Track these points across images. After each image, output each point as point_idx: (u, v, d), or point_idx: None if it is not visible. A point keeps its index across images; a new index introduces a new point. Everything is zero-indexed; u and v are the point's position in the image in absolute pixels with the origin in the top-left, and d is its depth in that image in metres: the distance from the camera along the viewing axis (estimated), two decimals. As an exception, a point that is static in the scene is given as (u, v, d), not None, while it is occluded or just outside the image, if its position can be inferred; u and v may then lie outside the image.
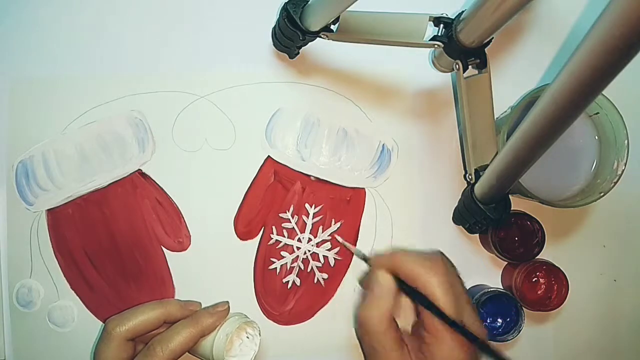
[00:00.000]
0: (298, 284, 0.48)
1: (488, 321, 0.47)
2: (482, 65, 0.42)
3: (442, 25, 0.41)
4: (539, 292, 0.47)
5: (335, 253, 0.48)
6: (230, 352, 0.41)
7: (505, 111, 0.47)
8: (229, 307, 0.42)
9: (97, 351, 0.40)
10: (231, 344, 0.41)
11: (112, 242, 0.46)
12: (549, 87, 0.29)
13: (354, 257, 0.48)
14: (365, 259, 0.46)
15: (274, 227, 0.48)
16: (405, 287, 0.40)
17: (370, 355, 0.41)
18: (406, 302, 0.42)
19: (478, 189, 0.43)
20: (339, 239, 0.47)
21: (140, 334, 0.41)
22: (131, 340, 0.41)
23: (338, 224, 0.48)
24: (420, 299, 0.39)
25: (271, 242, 0.47)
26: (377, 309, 0.40)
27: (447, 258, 0.41)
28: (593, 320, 0.50)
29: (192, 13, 0.48)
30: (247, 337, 0.41)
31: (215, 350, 0.40)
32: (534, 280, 0.47)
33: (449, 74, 0.49)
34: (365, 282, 0.45)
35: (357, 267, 0.48)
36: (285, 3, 0.42)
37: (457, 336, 0.38)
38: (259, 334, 0.42)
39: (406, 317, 0.42)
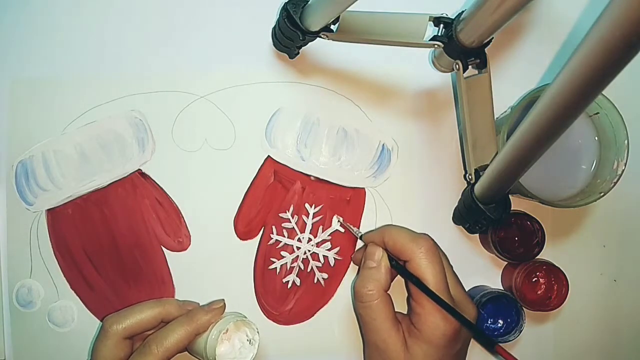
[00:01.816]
0: (298, 283, 0.48)
1: (489, 322, 0.46)
2: (482, 65, 0.42)
3: (442, 25, 0.41)
4: (539, 292, 0.47)
5: (335, 253, 0.48)
6: (231, 355, 0.40)
7: (505, 111, 0.47)
8: (224, 304, 0.42)
9: (94, 349, 0.40)
10: (229, 342, 0.40)
11: (112, 242, 0.46)
12: (549, 87, 0.29)
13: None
14: (360, 236, 0.47)
15: (274, 227, 0.48)
16: (393, 262, 0.42)
17: (366, 329, 0.42)
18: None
19: (478, 189, 0.43)
20: (340, 219, 0.48)
21: (137, 332, 0.41)
22: (129, 339, 0.41)
23: (339, 224, 0.48)
24: (407, 274, 0.41)
25: (271, 242, 0.47)
26: (370, 280, 0.41)
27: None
28: (593, 320, 0.50)
29: (192, 13, 0.48)
30: (249, 341, 0.41)
31: (208, 348, 0.39)
32: (534, 280, 0.47)
33: (449, 74, 0.49)
34: (357, 257, 0.47)
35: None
36: (285, 3, 0.42)
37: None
38: (258, 335, 0.42)
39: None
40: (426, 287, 0.40)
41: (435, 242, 0.42)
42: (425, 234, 0.43)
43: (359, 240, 0.47)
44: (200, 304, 0.44)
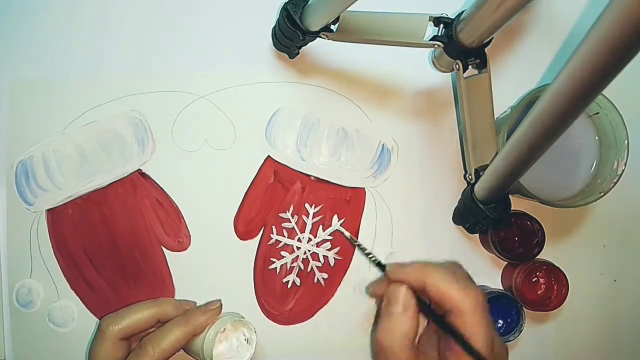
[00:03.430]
0: (298, 283, 0.48)
1: (488, 321, 0.46)
2: (482, 65, 0.42)
3: (442, 25, 0.41)
4: (539, 292, 0.47)
5: (335, 253, 0.48)
6: (228, 354, 0.40)
7: (505, 111, 0.47)
8: (221, 305, 0.42)
9: (91, 350, 0.40)
10: (226, 342, 0.40)
11: (112, 242, 0.46)
12: (549, 87, 0.29)
13: (354, 257, 0.48)
14: (381, 266, 0.43)
15: (274, 227, 0.48)
16: (425, 307, 0.38)
17: None
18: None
19: (478, 189, 0.43)
20: (355, 241, 0.47)
21: (134, 333, 0.40)
22: (125, 339, 0.41)
23: (339, 223, 0.48)
24: (447, 328, 0.36)
25: (271, 242, 0.47)
26: (397, 330, 0.37)
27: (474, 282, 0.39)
28: (593, 320, 0.50)
29: (192, 13, 0.48)
30: (246, 341, 0.41)
31: (206, 348, 0.39)
32: (534, 280, 0.47)
33: (449, 74, 0.49)
34: (376, 292, 0.42)
35: (357, 267, 0.48)
36: (285, 3, 0.42)
37: None
38: (255, 335, 0.41)
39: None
40: (472, 348, 0.35)
41: (480, 292, 0.37)
42: (459, 265, 0.40)
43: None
44: (198, 304, 0.44)
